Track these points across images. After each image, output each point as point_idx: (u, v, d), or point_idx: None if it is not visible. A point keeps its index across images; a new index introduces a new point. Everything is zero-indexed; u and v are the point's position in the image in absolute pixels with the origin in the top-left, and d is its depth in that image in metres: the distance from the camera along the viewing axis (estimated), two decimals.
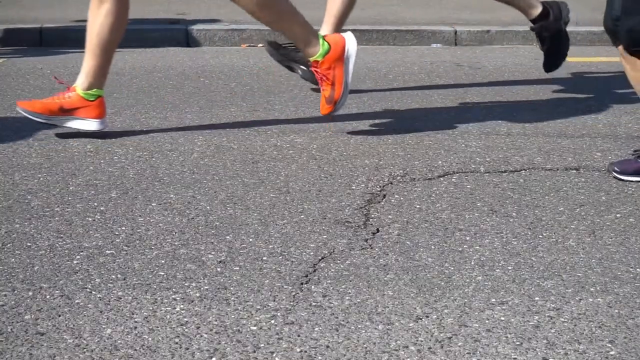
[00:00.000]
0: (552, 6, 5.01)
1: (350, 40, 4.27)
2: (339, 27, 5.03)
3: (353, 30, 7.47)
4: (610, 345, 2.27)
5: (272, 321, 2.37)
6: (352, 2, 5.04)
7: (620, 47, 3.53)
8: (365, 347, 2.24)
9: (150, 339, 2.27)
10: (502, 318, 2.41)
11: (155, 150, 4.01)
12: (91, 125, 4.17)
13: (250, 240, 2.96)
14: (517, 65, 6.44)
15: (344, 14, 5.05)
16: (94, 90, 4.16)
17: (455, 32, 7.46)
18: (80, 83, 4.17)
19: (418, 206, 3.30)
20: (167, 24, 7.49)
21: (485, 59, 6.69)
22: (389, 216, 3.20)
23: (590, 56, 6.92)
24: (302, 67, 5.10)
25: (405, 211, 3.25)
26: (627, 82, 5.82)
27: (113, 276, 2.65)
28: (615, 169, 3.63)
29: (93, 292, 2.54)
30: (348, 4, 5.03)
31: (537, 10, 4.99)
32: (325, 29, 4.98)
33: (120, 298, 2.50)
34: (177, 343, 2.25)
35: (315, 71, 4.21)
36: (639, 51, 3.45)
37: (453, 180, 3.62)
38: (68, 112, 4.14)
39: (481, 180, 3.62)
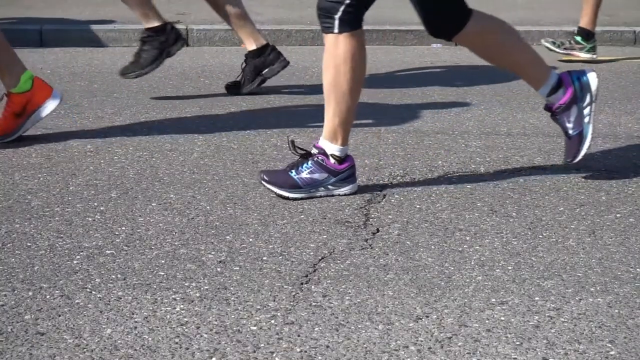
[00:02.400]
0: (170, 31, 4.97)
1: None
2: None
3: None
4: (610, 345, 2.27)
5: (272, 321, 2.37)
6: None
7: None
8: (365, 347, 2.24)
9: (150, 339, 2.27)
10: (502, 318, 2.41)
11: (155, 150, 4.01)
12: (49, 106, 4.09)
13: (250, 240, 2.96)
14: None
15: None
16: (22, 77, 4.07)
17: None
18: (7, 84, 4.08)
19: (418, 206, 3.30)
20: None
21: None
22: (389, 216, 3.20)
23: None
24: (269, 68, 5.16)
25: (405, 211, 3.25)
26: (626, 81, 5.84)
27: (113, 276, 2.65)
28: (264, 177, 3.38)
29: (93, 292, 2.54)
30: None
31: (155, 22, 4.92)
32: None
33: (120, 298, 2.50)
34: (177, 343, 2.25)
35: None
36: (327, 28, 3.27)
37: (453, 180, 3.62)
38: (23, 112, 4.07)
39: (481, 180, 3.62)
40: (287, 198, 3.34)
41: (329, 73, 3.32)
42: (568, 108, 3.57)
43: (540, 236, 3.02)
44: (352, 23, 3.24)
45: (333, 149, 3.38)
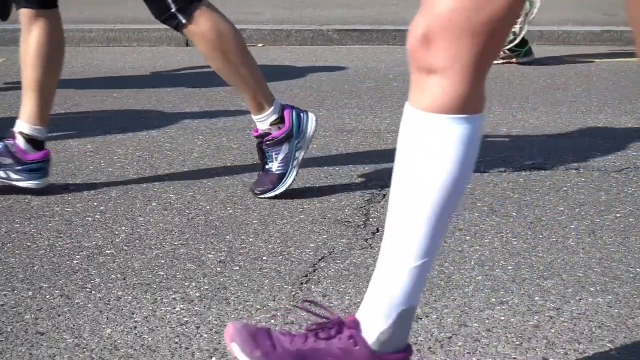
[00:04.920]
0: None
1: None
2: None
3: (353, 31, 7.51)
4: (610, 345, 2.27)
5: (272, 321, 2.37)
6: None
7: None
8: None
9: (150, 339, 2.27)
10: (502, 318, 2.40)
11: (155, 150, 4.01)
12: None
13: (250, 240, 2.96)
14: (517, 65, 6.45)
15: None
16: None
17: None
18: None
19: None
20: None
21: None
22: None
23: (591, 56, 6.92)
24: None
25: None
26: (626, 81, 5.84)
27: (113, 276, 2.65)
28: (257, 192, 3.36)
29: (93, 292, 2.54)
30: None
31: None
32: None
33: (120, 298, 2.50)
34: (177, 343, 2.25)
35: None
36: None
37: None
38: None
39: (481, 180, 3.62)
40: (287, 189, 3.33)
41: (215, 61, 3.26)
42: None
43: (540, 236, 3.02)
44: (189, 3, 3.19)
45: (271, 116, 3.33)
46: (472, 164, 1.81)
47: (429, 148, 1.79)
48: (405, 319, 1.86)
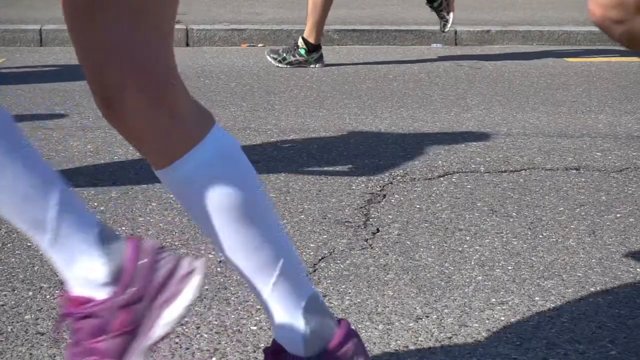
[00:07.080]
0: None
1: None
2: None
3: (353, 31, 7.51)
4: (610, 345, 2.27)
5: None
6: None
7: None
8: (365, 347, 2.24)
9: None
10: (502, 318, 2.40)
11: None
12: None
13: None
14: (517, 65, 6.44)
15: None
16: None
17: (455, 32, 7.45)
18: None
19: (418, 206, 3.30)
20: None
21: (485, 59, 6.69)
22: (389, 216, 3.20)
23: (590, 56, 6.92)
24: None
25: (405, 211, 3.24)
26: (626, 81, 5.84)
27: None
28: None
29: None
30: None
31: None
32: None
33: None
34: (177, 343, 2.25)
35: None
36: None
37: (453, 180, 3.62)
38: None
39: (481, 180, 3.62)
40: None
41: None
42: None
43: (540, 236, 3.02)
44: None
45: None
46: (242, 182, 1.70)
47: (189, 200, 1.72)
48: (312, 308, 1.79)
